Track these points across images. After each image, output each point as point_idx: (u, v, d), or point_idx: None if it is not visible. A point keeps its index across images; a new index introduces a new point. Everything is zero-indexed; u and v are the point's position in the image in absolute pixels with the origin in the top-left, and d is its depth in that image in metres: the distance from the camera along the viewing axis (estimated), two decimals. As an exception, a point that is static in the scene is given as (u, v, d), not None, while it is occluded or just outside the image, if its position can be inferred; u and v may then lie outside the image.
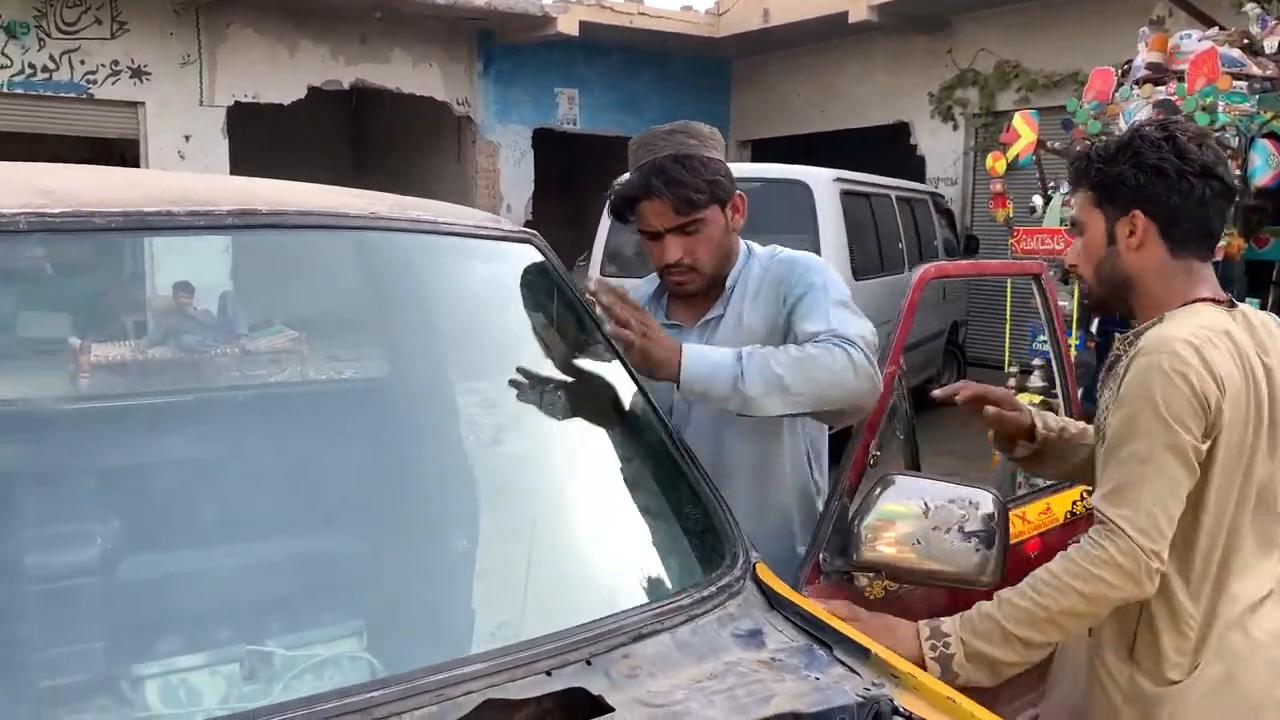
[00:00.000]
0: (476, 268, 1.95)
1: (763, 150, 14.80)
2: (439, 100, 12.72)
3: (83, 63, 10.42)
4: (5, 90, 10.09)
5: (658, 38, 13.40)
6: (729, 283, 2.12)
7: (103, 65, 10.53)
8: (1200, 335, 1.74)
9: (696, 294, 2.12)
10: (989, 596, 1.86)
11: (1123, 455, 1.75)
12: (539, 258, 1.98)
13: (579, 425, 1.93)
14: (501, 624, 1.53)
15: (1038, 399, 4.82)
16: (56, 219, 1.48)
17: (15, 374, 1.98)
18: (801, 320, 1.98)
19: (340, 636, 1.47)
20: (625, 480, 1.85)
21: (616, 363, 1.93)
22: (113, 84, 10.62)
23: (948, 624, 1.82)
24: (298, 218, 1.68)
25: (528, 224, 13.20)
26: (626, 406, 1.90)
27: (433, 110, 12.95)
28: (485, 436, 1.89)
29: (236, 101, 11.33)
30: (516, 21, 12.24)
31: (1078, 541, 1.76)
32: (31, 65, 10.18)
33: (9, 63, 10.07)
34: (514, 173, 13.30)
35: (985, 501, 1.89)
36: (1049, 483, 2.66)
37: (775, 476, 2.11)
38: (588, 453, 1.88)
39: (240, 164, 11.48)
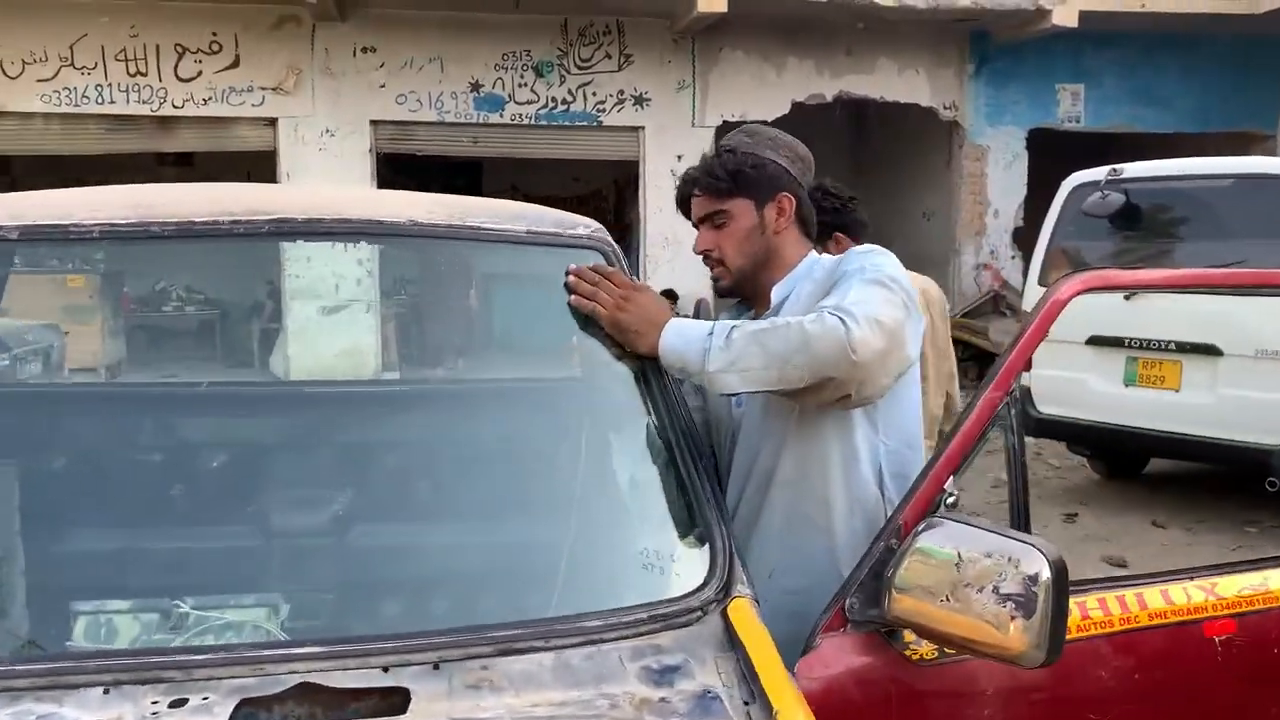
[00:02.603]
0: (527, 273, 2.00)
1: (1323, 142, 12.51)
2: (924, 106, 12.46)
3: (594, 94, 11.74)
4: (532, 123, 11.69)
5: (1181, 20, 11.90)
6: (777, 295, 1.98)
7: (610, 95, 11.77)
8: None
9: (731, 292, 2.08)
10: (1033, 678, 1.54)
11: None
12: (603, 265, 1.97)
13: (584, 429, 1.90)
14: (396, 613, 1.58)
15: None
16: (125, 229, 1.79)
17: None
18: (825, 301, 1.82)
19: (260, 605, 1.62)
20: (606, 493, 1.79)
21: (651, 375, 1.86)
22: (618, 111, 11.83)
23: None
24: (331, 224, 1.85)
25: (1017, 231, 12.47)
26: (645, 417, 1.83)
27: (920, 117, 12.72)
28: (486, 436, 1.93)
29: (724, 121, 12.02)
30: (1008, 18, 11.60)
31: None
32: (554, 99, 11.68)
33: (536, 98, 11.66)
34: (1004, 177, 12.61)
35: (1031, 560, 1.55)
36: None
37: (818, 493, 1.91)
38: (580, 458, 1.85)
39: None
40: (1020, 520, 1.84)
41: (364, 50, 11.28)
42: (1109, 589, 1.91)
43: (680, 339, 1.85)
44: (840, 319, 1.73)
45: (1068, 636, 1.78)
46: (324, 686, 1.36)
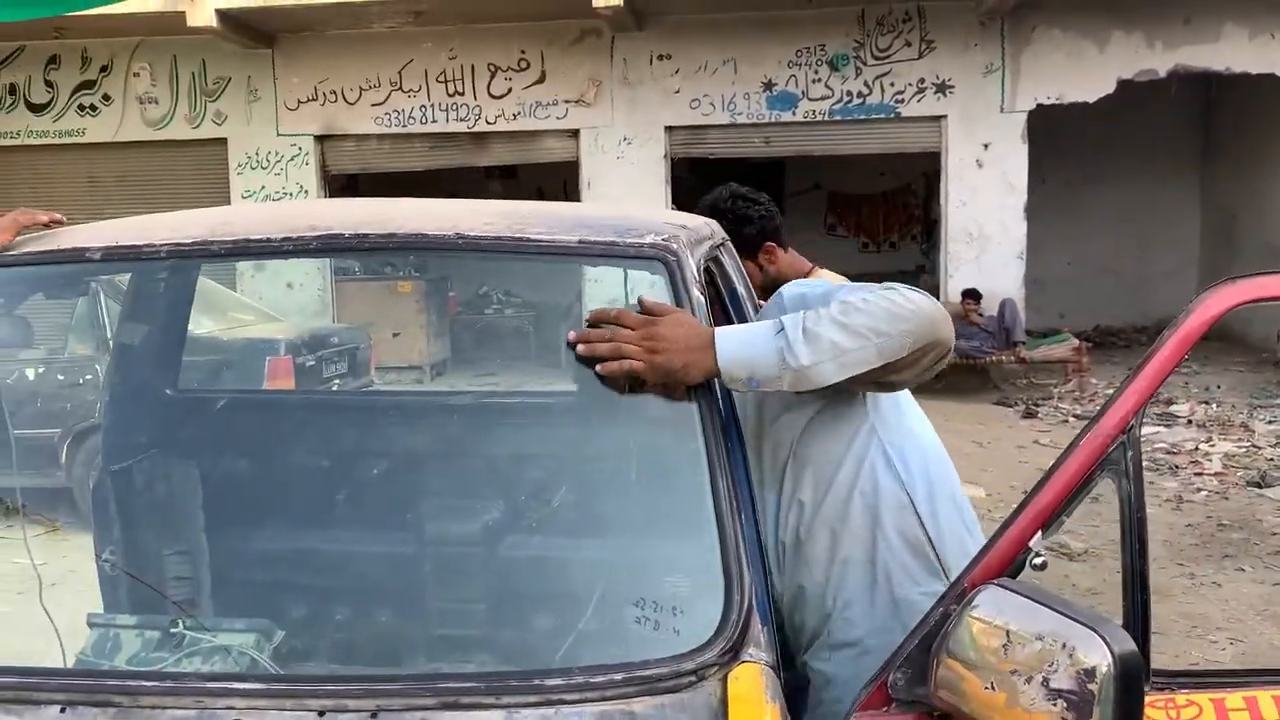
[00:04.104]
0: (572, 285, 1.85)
1: None
2: (1281, 76, 10.88)
3: (892, 84, 11.25)
4: (825, 119, 11.38)
5: None
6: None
7: (910, 85, 11.23)
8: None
9: None
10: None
11: None
12: (661, 278, 1.79)
13: (611, 454, 1.70)
14: (363, 652, 1.48)
15: None
16: (188, 247, 1.85)
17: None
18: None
19: (251, 630, 1.58)
20: (619, 528, 1.59)
21: (702, 401, 1.64)
22: (918, 101, 11.26)
23: None
24: (377, 240, 1.80)
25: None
26: (686, 445, 1.62)
27: (1278, 90, 11.14)
28: (496, 454, 1.80)
29: (1038, 104, 11.13)
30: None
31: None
32: (848, 93, 11.31)
33: (830, 93, 11.34)
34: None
35: (1090, 649, 1.22)
36: None
37: (850, 530, 1.75)
38: (599, 487, 1.66)
39: (1041, 168, 11.32)
40: (1135, 595, 1.46)
41: (660, 57, 11.47)
42: (1264, 685, 1.47)
43: (744, 347, 1.63)
44: (907, 286, 1.69)
45: (1194, 743, 1.42)
46: (255, 726, 1.31)
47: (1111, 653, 1.20)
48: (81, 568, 2.56)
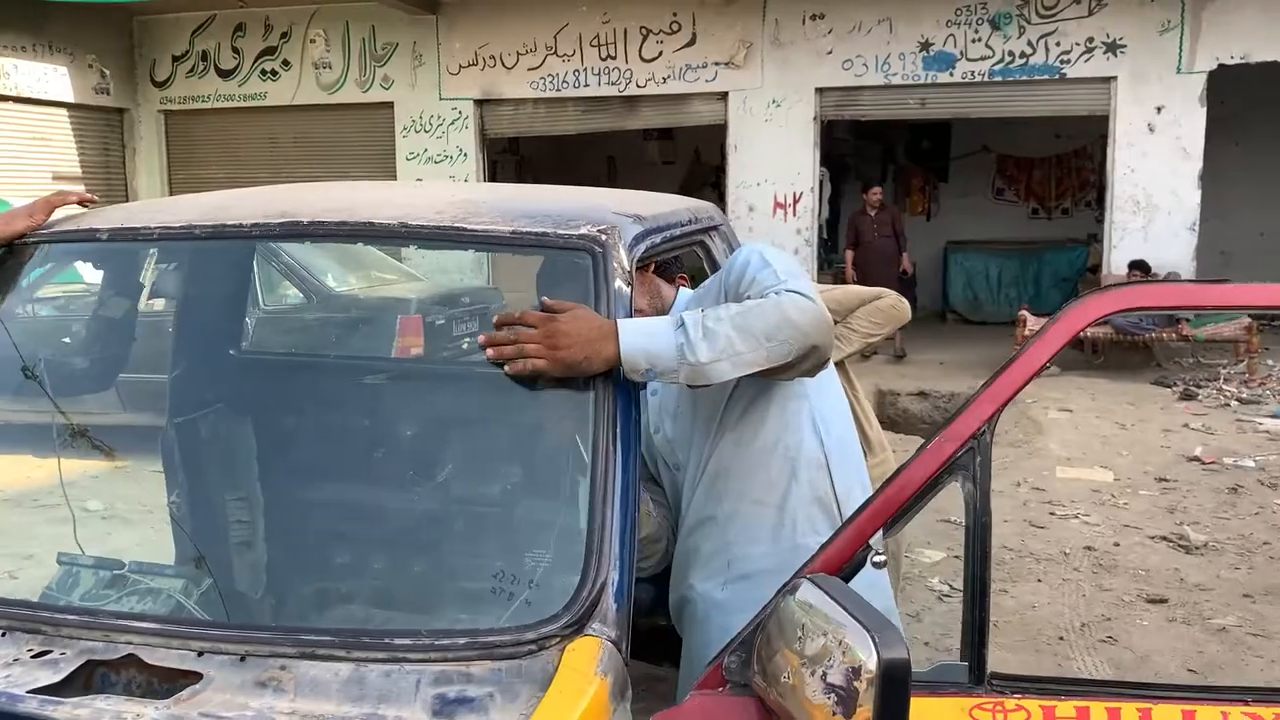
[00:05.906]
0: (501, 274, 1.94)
1: None
2: None
3: (1058, 44, 10.70)
4: (986, 80, 10.94)
5: None
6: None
7: (1077, 44, 10.65)
8: None
9: None
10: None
11: None
12: (587, 268, 1.87)
13: (496, 442, 1.80)
14: (257, 604, 1.65)
15: None
16: (175, 230, 2.06)
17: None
18: (750, 287, 1.84)
19: (179, 577, 1.78)
20: (494, 508, 1.69)
21: (599, 391, 1.73)
22: (1085, 61, 10.68)
23: None
24: (331, 227, 1.96)
25: None
26: (571, 435, 1.71)
27: None
28: (395, 427, 1.93)
29: (1220, 65, 10.36)
30: None
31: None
32: (1010, 53, 10.83)
33: (991, 53, 10.88)
34: None
35: (860, 648, 1.26)
36: None
37: (765, 475, 1.94)
38: (484, 471, 1.77)
39: (1233, 129, 10.59)
40: (975, 600, 1.47)
41: (813, 18, 11.27)
42: (1101, 697, 1.45)
43: (646, 338, 1.73)
44: (798, 293, 1.76)
45: (1016, 747, 1.43)
46: (143, 661, 1.50)
47: (878, 654, 1.24)
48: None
